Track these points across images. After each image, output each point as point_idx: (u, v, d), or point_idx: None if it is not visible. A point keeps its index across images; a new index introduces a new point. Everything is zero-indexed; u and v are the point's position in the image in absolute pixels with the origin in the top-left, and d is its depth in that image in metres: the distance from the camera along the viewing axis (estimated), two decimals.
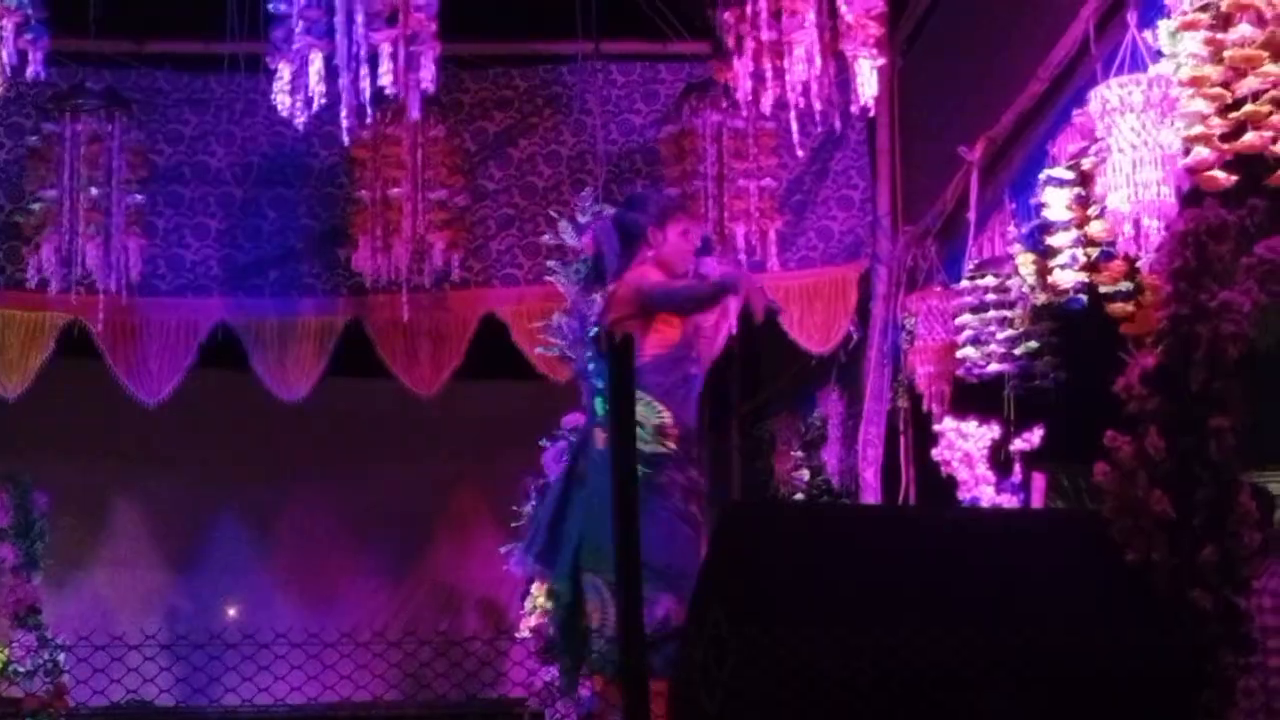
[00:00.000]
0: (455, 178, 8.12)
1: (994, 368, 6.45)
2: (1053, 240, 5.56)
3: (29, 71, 6.01)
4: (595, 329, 6.20)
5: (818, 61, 6.08)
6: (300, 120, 5.87)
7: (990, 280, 6.51)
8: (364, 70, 5.76)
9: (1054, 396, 6.26)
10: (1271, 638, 4.09)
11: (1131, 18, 5.25)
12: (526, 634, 7.95)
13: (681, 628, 5.31)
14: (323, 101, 5.88)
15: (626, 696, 3.63)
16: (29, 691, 8.55)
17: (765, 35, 6.14)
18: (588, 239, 6.46)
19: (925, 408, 7.25)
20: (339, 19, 5.77)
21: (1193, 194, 4.61)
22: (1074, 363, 6.19)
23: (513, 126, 8.71)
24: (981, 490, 6.41)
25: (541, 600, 7.08)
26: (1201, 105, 4.50)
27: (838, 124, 6.37)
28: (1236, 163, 4.47)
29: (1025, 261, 5.80)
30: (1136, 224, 4.86)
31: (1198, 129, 4.51)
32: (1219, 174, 4.51)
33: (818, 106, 6.15)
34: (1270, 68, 4.43)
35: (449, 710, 6.68)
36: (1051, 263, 5.56)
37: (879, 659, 3.52)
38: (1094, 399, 4.30)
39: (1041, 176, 5.68)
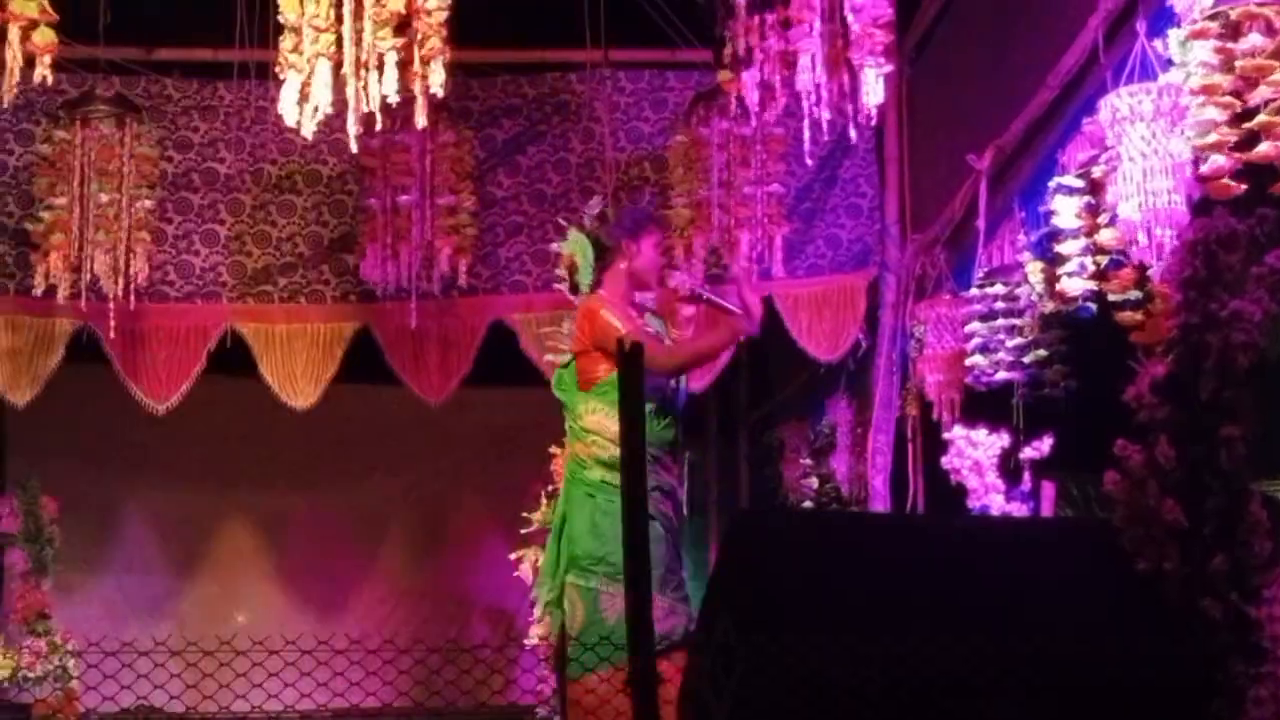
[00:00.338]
0: (464, 184, 8.12)
1: (1003, 376, 6.45)
2: (1062, 248, 5.56)
3: (35, 76, 6.02)
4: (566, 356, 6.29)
5: (819, 69, 6.08)
6: (313, 130, 5.87)
7: (999, 288, 6.50)
8: (372, 78, 5.76)
9: (1064, 405, 6.26)
10: None
11: (1141, 26, 5.25)
12: (535, 641, 7.94)
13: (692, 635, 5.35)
14: (329, 110, 5.88)
15: (635, 699, 3.63)
16: (39, 697, 8.56)
17: (774, 45, 6.14)
18: (565, 252, 6.53)
19: (935, 416, 7.25)
20: (347, 27, 5.77)
21: (1203, 203, 4.60)
22: (1084, 371, 6.18)
23: (521, 134, 8.72)
24: (991, 498, 6.42)
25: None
26: (1212, 114, 4.50)
27: (852, 133, 6.37)
28: (1247, 172, 4.47)
29: (1034, 270, 5.80)
30: (1148, 232, 4.86)
31: (1208, 138, 4.51)
32: (1229, 183, 4.51)
33: (826, 115, 6.14)
34: None
35: (458, 717, 6.67)
36: (1060, 271, 5.55)
37: (888, 667, 3.52)
38: (1104, 407, 4.30)
39: (1051, 184, 5.68)
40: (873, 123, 6.63)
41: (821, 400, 9.15)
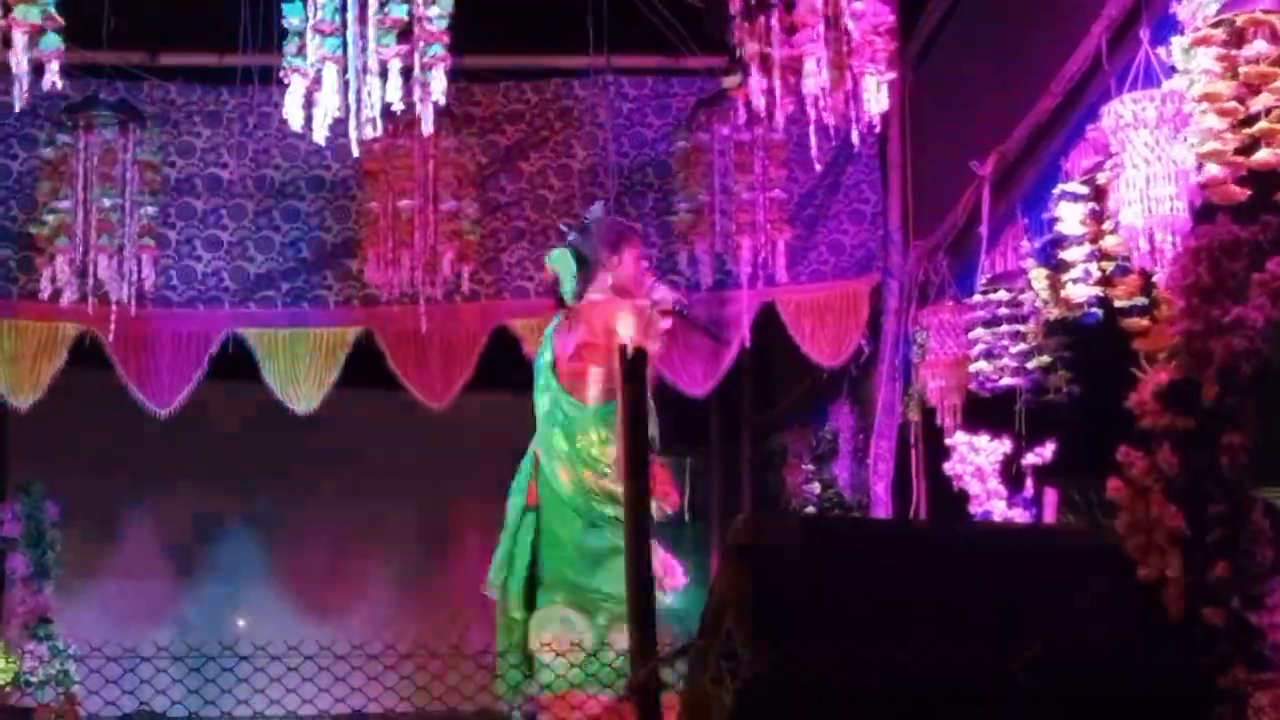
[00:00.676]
0: (467, 190, 8.12)
1: (1007, 382, 6.45)
2: (1066, 255, 5.56)
3: (44, 81, 6.03)
4: (545, 358, 6.30)
5: (823, 75, 6.08)
6: (321, 135, 5.87)
7: (1003, 294, 6.51)
8: (376, 83, 5.77)
9: (1066, 411, 6.26)
10: None
11: (1144, 33, 5.25)
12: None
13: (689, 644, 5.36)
14: (335, 115, 5.89)
15: (639, 713, 3.65)
16: (41, 702, 8.57)
17: (779, 52, 6.14)
18: (547, 266, 6.56)
19: (937, 422, 7.25)
20: (351, 33, 5.78)
21: (1206, 210, 4.60)
22: (1087, 377, 6.18)
23: (524, 140, 8.72)
24: (993, 505, 6.42)
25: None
26: (1215, 121, 4.50)
27: (856, 139, 6.38)
28: (1250, 178, 4.47)
29: (1038, 276, 5.80)
30: (1150, 239, 4.86)
31: (1211, 144, 4.51)
32: (1232, 189, 4.51)
33: (831, 121, 6.15)
34: None
35: None
36: (1065, 277, 5.56)
37: (889, 674, 3.51)
38: (1107, 414, 4.29)
39: (1056, 191, 5.68)
40: (876, 129, 6.64)
41: (824, 406, 9.16)
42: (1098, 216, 5.45)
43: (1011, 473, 6.41)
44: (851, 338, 8.46)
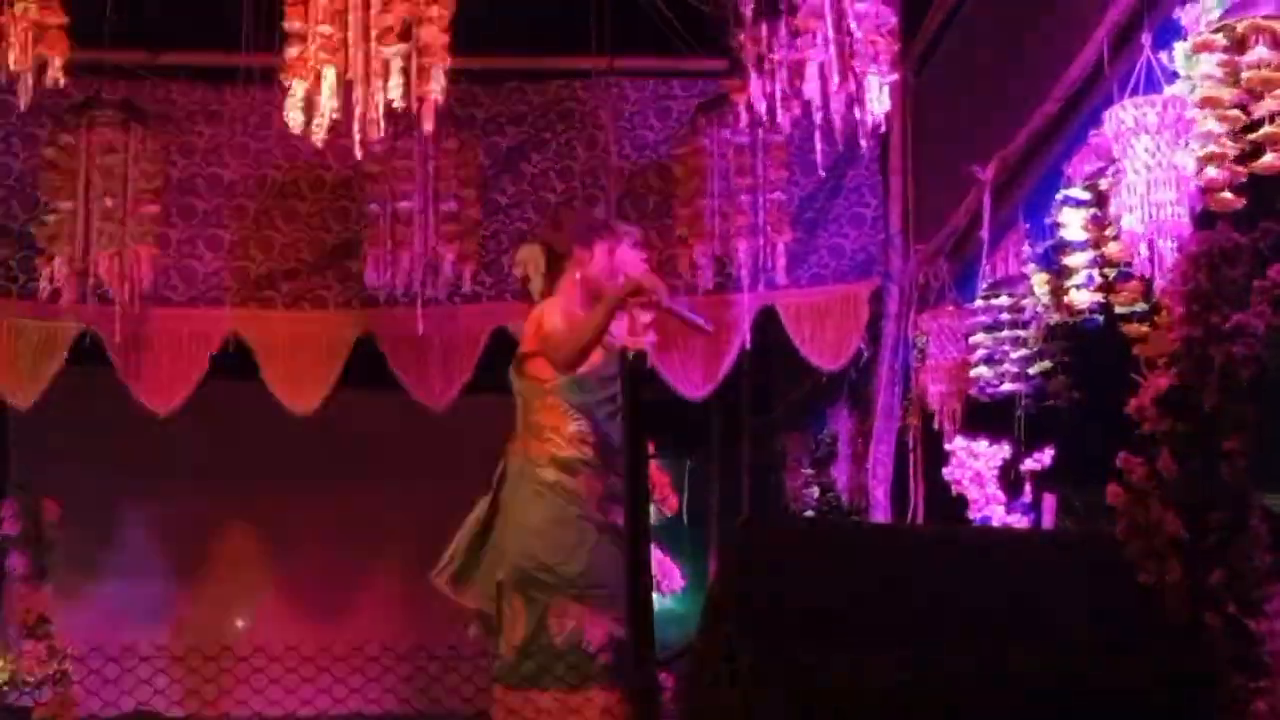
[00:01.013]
0: (467, 191, 8.12)
1: (1008, 387, 6.46)
2: (1068, 260, 5.57)
3: (46, 80, 6.03)
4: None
5: (834, 79, 6.08)
6: (320, 137, 5.87)
7: (1004, 300, 6.51)
8: (376, 84, 5.77)
9: (1066, 416, 6.26)
10: None
11: (1146, 39, 5.25)
12: None
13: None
14: (335, 116, 5.89)
15: (637, 711, 3.64)
16: (38, 701, 8.55)
17: (783, 55, 6.15)
18: (518, 261, 6.57)
19: (936, 426, 7.25)
20: (352, 34, 5.78)
21: (1206, 216, 4.61)
22: (1087, 383, 6.18)
23: (525, 141, 8.72)
24: (992, 510, 6.42)
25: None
26: (1216, 127, 4.50)
27: (863, 142, 6.38)
28: (1250, 185, 4.47)
29: (1040, 281, 5.81)
30: (1151, 245, 4.86)
31: (1211, 150, 4.51)
32: (1231, 196, 4.51)
33: (836, 121, 6.15)
34: None
35: None
36: (1067, 283, 5.56)
37: (887, 678, 3.52)
38: (1106, 419, 4.30)
39: (1058, 196, 5.69)
40: (880, 131, 6.65)
41: (823, 410, 9.15)
42: (1100, 222, 5.45)
43: (1010, 478, 6.41)
44: (851, 341, 8.46)
